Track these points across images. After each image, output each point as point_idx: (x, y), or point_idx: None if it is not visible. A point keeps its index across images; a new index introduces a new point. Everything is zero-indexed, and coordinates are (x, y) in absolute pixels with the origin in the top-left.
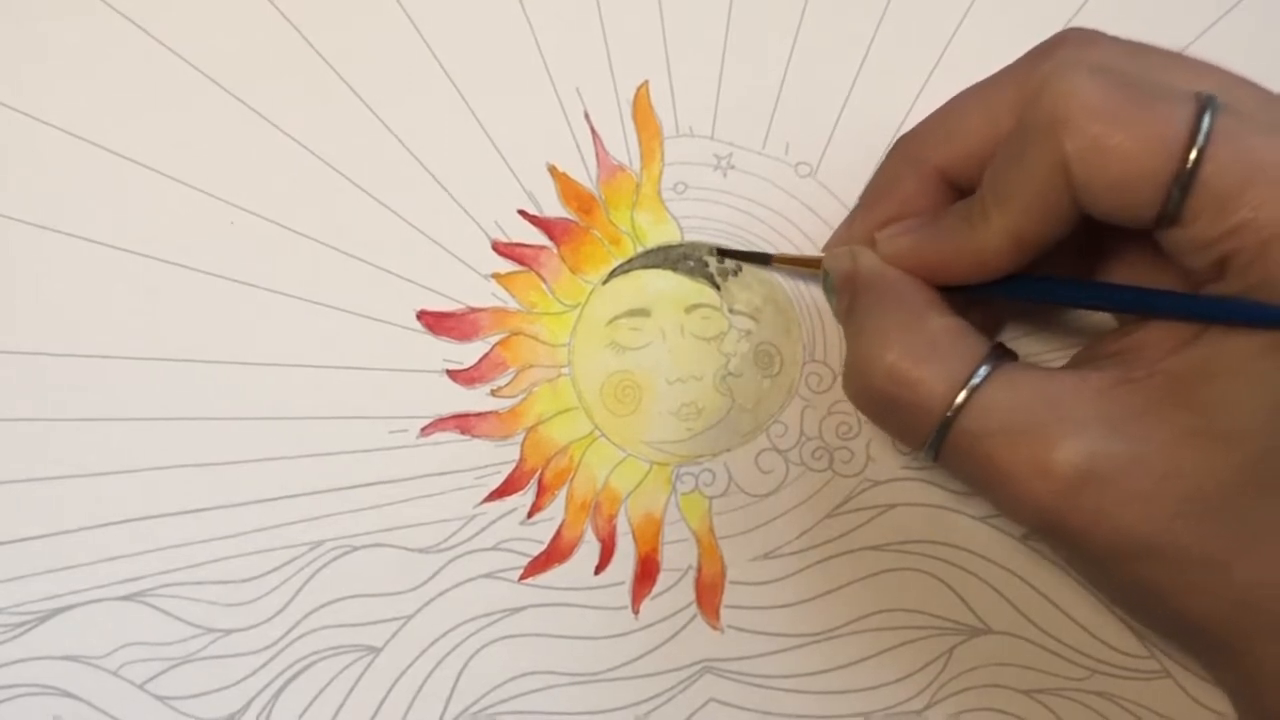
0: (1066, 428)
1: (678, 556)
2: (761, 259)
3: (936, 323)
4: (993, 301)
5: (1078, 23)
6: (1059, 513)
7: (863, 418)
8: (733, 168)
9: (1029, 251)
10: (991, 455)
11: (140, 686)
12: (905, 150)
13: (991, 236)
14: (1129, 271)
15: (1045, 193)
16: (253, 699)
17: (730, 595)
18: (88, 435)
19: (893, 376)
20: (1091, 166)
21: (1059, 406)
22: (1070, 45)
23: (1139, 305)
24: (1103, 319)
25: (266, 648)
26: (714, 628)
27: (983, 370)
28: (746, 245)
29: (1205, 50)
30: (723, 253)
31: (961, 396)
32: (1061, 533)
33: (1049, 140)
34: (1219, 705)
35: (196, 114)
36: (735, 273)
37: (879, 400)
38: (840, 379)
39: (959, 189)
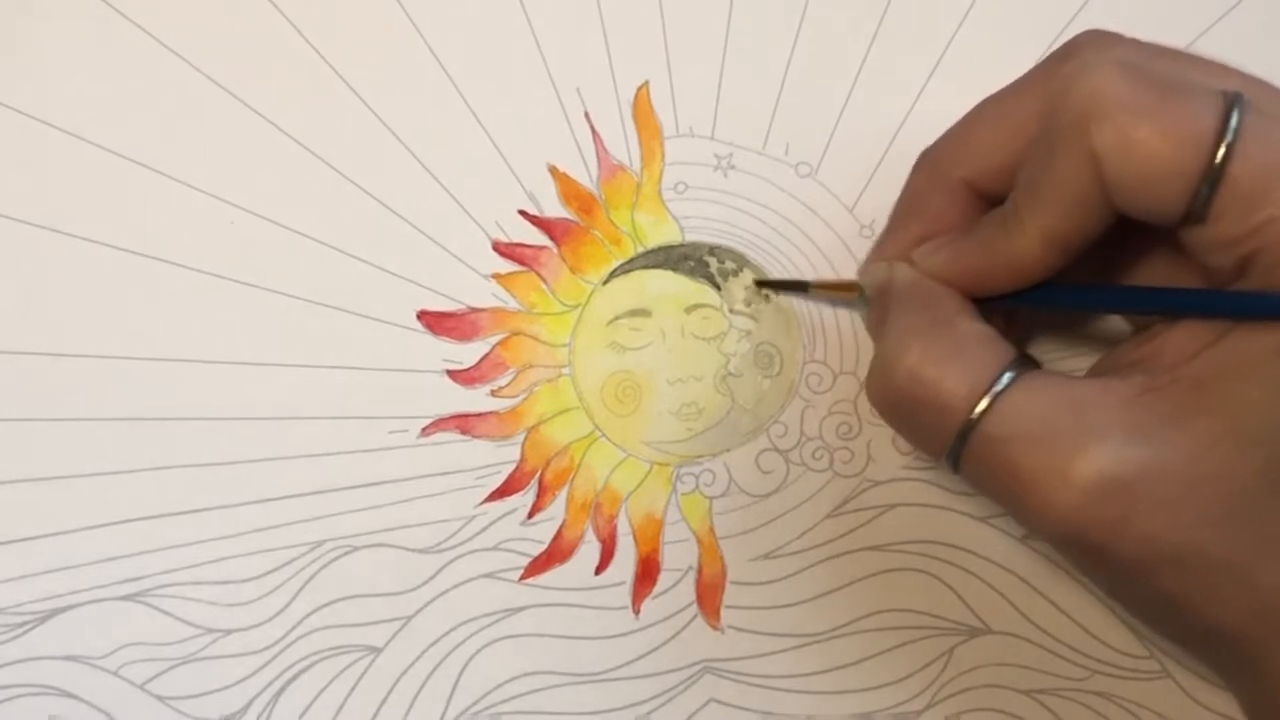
0: (1091, 435)
1: (678, 557)
2: (799, 287)
3: (963, 327)
4: (1017, 308)
5: (1078, 23)
6: (1082, 521)
7: (864, 418)
8: (733, 168)
9: (1065, 253)
10: (1014, 462)
11: (140, 686)
12: (929, 166)
13: (1027, 240)
14: (1151, 274)
15: (1077, 190)
16: (253, 699)
17: (731, 595)
18: (87, 435)
19: (915, 378)
20: (1121, 160)
21: (1083, 414)
22: (1090, 47)
23: (1166, 305)
24: (1123, 324)
25: (267, 648)
26: (714, 628)
27: (1006, 376)
28: (746, 246)
29: (1205, 50)
30: (760, 284)
31: (985, 401)
32: (1084, 543)
33: (1078, 136)
34: (1219, 705)
35: (196, 114)
36: (735, 273)
37: (901, 403)
38: (839, 379)
39: (987, 201)
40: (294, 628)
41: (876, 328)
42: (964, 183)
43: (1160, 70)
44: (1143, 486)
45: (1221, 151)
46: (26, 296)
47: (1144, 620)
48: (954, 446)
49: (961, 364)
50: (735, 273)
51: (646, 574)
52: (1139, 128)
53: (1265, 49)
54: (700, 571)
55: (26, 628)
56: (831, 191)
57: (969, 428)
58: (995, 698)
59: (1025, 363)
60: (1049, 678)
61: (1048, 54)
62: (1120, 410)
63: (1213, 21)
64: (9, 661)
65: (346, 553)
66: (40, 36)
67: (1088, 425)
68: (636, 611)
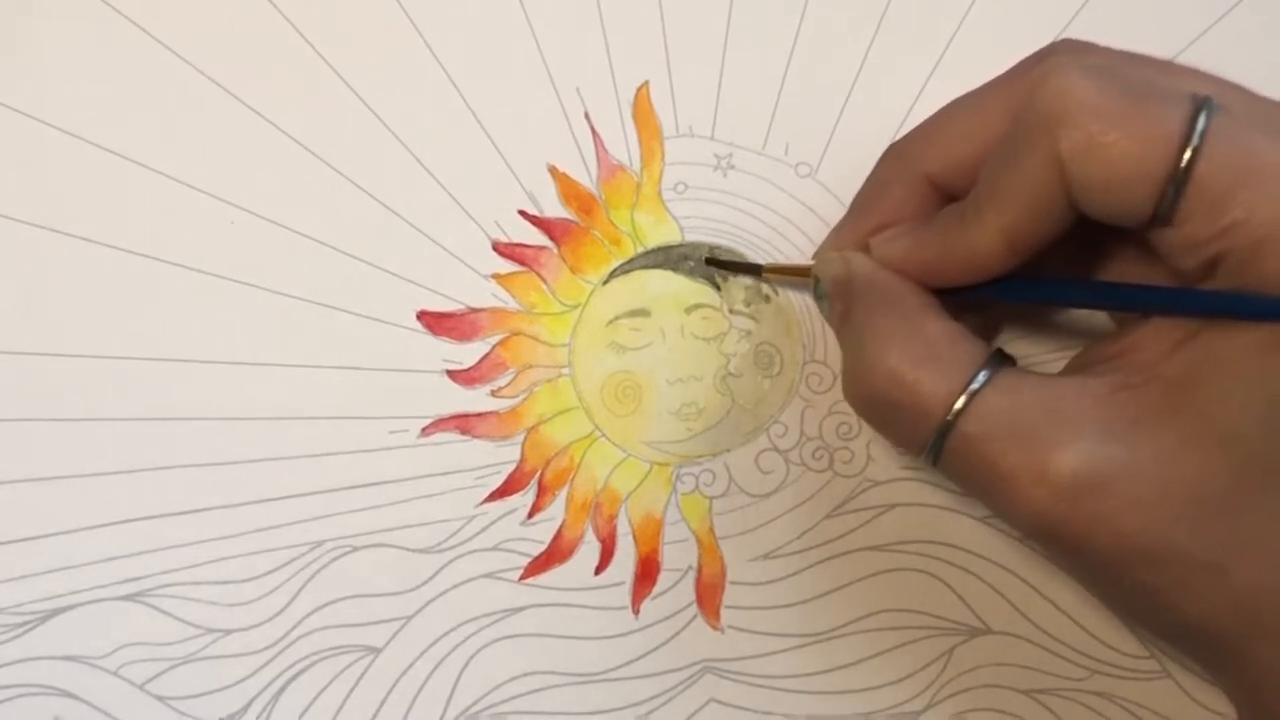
0: (1066, 433)
1: (678, 556)
2: (752, 269)
3: (935, 326)
4: (989, 305)
5: (1077, 23)
6: (1058, 518)
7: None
8: (733, 168)
9: (1024, 251)
10: (991, 460)
11: (140, 686)
12: (895, 158)
13: (986, 236)
14: (1121, 273)
15: (1039, 191)
16: (253, 699)
17: (730, 595)
18: (88, 435)
19: (893, 380)
20: (1086, 164)
21: (1059, 412)
22: (1063, 52)
23: (1134, 302)
24: (1097, 321)
25: (267, 648)
26: (714, 628)
27: (982, 375)
28: (746, 246)
29: (1204, 51)
30: (711, 263)
31: (961, 401)
32: (1060, 538)
33: (1044, 137)
34: (1219, 705)
35: (196, 114)
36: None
37: (879, 404)
38: (839, 379)
39: (949, 196)
40: (294, 628)
41: (840, 322)
42: (927, 177)
43: (1131, 75)
44: (1117, 484)
45: (1188, 155)
46: (26, 296)
47: (1126, 615)
48: (933, 445)
49: (938, 365)
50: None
51: (646, 574)
52: (1105, 131)
53: (1265, 49)
54: (700, 571)
55: (26, 628)
56: (831, 191)
57: (947, 427)
58: (995, 698)
59: (1000, 360)
60: (1049, 678)
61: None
62: (1095, 408)
63: (1213, 22)
64: (9, 661)
65: (346, 553)
66: (40, 36)
67: (1063, 423)
68: (636, 611)
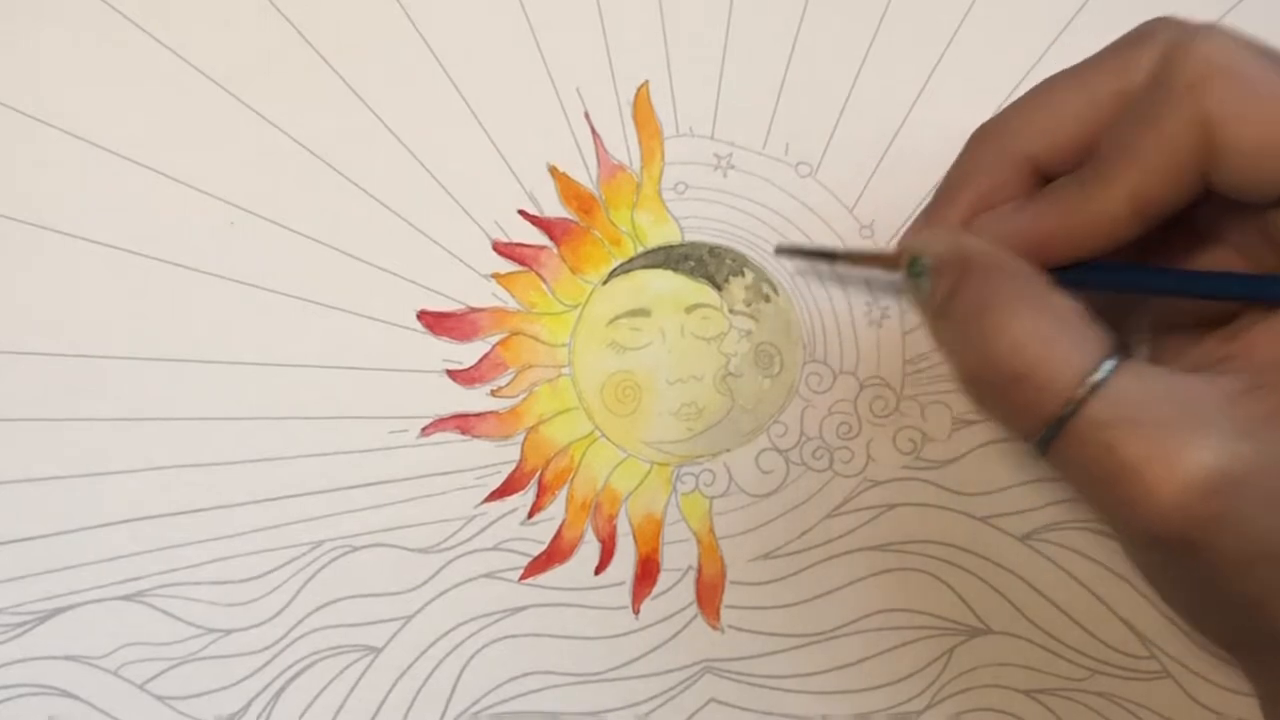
0: (1200, 426)
1: (678, 556)
2: (826, 256)
3: (1063, 303)
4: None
5: (1078, 23)
6: (1186, 514)
7: (863, 418)
8: (733, 168)
9: (1148, 220)
10: (1117, 446)
11: (140, 686)
12: (990, 139)
13: (1112, 201)
14: (1227, 263)
15: (1178, 153)
16: (253, 699)
17: (730, 595)
18: (88, 435)
19: (1017, 352)
20: (1235, 127)
21: (1192, 405)
22: (1172, 29)
23: (1260, 293)
24: (1176, 312)
25: (267, 648)
26: (714, 628)
27: (1114, 359)
28: (746, 246)
29: None
30: (781, 251)
31: (1093, 381)
32: (1181, 536)
33: (1190, 99)
34: (1219, 705)
35: (196, 114)
36: (736, 273)
37: (999, 380)
38: (839, 379)
39: (1045, 179)
40: (294, 628)
41: (945, 299)
42: (1028, 158)
43: (1264, 50)
44: (1248, 483)
45: None
46: (26, 296)
47: (1209, 625)
48: (1051, 427)
49: (1069, 340)
50: (735, 273)
51: (646, 574)
52: (1256, 98)
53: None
54: (700, 571)
55: (26, 628)
56: (831, 191)
57: (1074, 408)
58: (995, 698)
59: (1126, 347)
60: (1049, 678)
61: (1046, 50)
62: (1227, 405)
63: (1214, 20)
64: (9, 661)
65: (346, 553)
66: (40, 36)
67: (1196, 417)
68: (636, 611)
